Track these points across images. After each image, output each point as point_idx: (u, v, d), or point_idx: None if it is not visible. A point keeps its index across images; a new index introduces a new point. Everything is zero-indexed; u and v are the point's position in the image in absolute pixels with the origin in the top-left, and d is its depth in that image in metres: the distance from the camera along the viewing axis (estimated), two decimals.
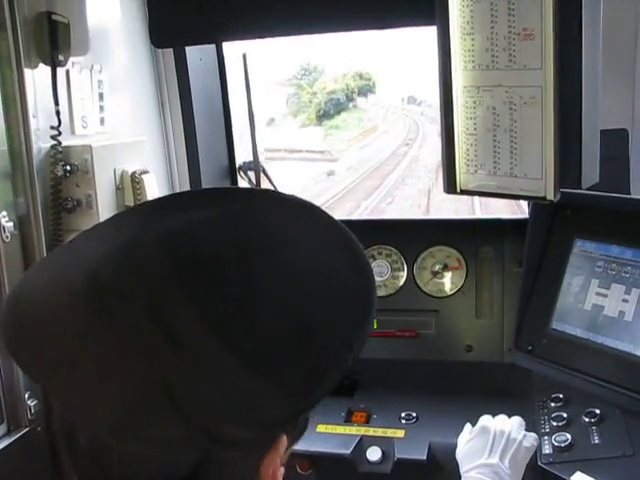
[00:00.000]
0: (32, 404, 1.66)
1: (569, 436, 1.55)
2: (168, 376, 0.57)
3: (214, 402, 0.57)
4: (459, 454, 1.47)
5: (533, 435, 1.47)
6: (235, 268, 0.61)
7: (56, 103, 1.68)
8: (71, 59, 1.72)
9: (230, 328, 0.58)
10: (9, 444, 1.62)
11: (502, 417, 1.50)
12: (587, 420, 1.58)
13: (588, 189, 1.53)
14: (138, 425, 0.58)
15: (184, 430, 0.57)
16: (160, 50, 2.09)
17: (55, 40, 1.66)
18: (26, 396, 1.65)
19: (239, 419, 0.58)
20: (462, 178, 1.62)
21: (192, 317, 0.57)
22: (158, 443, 0.59)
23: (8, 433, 1.65)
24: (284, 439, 0.68)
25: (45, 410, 1.69)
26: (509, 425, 1.47)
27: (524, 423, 1.49)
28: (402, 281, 1.98)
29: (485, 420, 1.50)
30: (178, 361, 0.57)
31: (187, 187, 2.17)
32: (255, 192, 0.79)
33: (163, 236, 0.63)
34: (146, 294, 0.59)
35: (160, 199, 0.78)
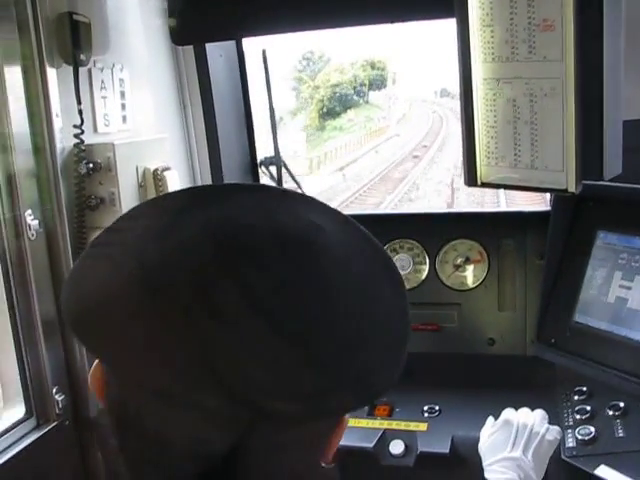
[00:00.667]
0: (60, 399, 1.69)
1: (593, 429, 1.54)
2: (213, 353, 0.59)
3: (257, 377, 0.59)
4: (482, 447, 1.47)
5: (556, 428, 1.46)
6: (277, 254, 0.64)
7: (78, 102, 1.70)
8: (93, 58, 1.74)
9: (272, 308, 0.61)
10: (38, 437, 1.65)
11: (525, 410, 1.50)
12: (611, 413, 1.57)
13: (611, 180, 1.52)
14: (183, 393, 0.59)
15: (227, 402, 0.59)
16: (180, 47, 2.10)
17: (77, 40, 1.67)
18: (54, 391, 1.68)
19: (282, 393, 0.60)
20: (483, 171, 1.61)
21: (235, 298, 0.60)
22: (200, 412, 0.60)
23: (37, 427, 1.69)
24: (345, 420, 0.70)
25: (73, 404, 1.72)
26: (532, 418, 1.46)
27: (547, 416, 1.49)
28: (424, 274, 1.98)
29: (508, 413, 1.49)
30: (222, 339, 0.59)
31: (209, 183, 2.19)
32: (286, 191, 0.81)
33: (208, 221, 0.65)
34: (192, 276, 0.61)
35: (206, 186, 0.81)
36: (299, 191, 0.71)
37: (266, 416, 0.60)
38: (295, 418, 0.62)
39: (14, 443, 1.61)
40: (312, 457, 0.70)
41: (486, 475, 1.39)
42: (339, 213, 0.75)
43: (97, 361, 0.68)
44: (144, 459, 0.67)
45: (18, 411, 1.67)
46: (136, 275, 0.62)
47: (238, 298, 0.60)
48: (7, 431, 1.62)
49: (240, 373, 0.59)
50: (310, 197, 0.77)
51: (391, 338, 0.68)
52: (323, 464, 0.73)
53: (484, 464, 1.42)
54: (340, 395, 0.64)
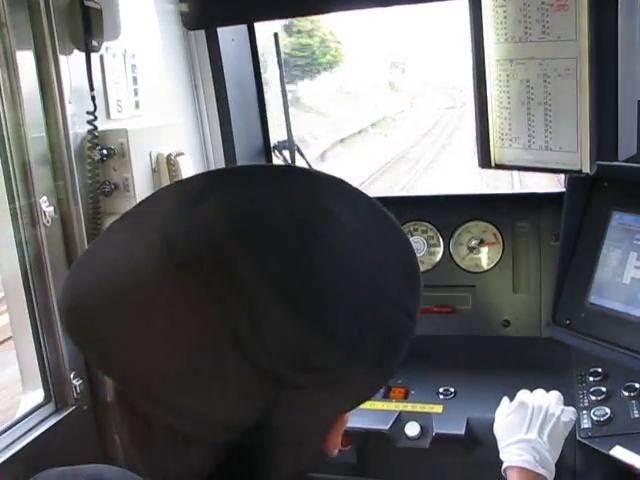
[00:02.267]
0: (77, 384, 1.70)
1: (608, 410, 1.54)
2: (237, 329, 0.61)
3: (278, 352, 0.62)
4: (497, 429, 1.47)
5: (571, 409, 1.46)
6: (294, 235, 0.67)
7: (91, 88, 1.70)
8: (104, 44, 1.73)
9: (290, 288, 0.63)
10: (57, 422, 1.67)
11: (540, 392, 1.50)
12: (626, 394, 1.57)
13: (625, 160, 1.51)
14: (209, 372, 0.61)
15: (254, 376, 0.61)
16: (192, 32, 2.10)
17: (88, 26, 1.67)
18: (72, 376, 1.69)
19: (304, 366, 0.63)
20: (496, 152, 1.61)
21: (257, 278, 0.62)
22: (228, 389, 0.62)
23: (56, 411, 1.70)
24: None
25: (90, 389, 1.74)
26: (547, 400, 1.47)
27: (562, 398, 1.49)
28: (438, 257, 1.98)
29: (523, 395, 1.50)
30: (246, 317, 0.61)
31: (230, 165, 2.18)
32: (313, 175, 0.83)
33: (227, 202, 0.69)
34: (215, 255, 0.63)
35: (226, 169, 0.83)
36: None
37: (291, 387, 0.63)
38: (316, 388, 0.64)
39: (34, 427, 1.63)
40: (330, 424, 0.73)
41: (501, 457, 1.40)
42: (364, 198, 0.76)
43: None
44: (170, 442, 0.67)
45: (37, 396, 1.69)
46: (162, 251, 0.64)
47: (257, 277, 0.62)
48: (27, 416, 1.64)
49: (265, 348, 0.61)
50: (338, 180, 0.77)
51: (396, 331, 0.70)
52: (339, 447, 0.75)
53: (499, 446, 1.42)
54: (354, 372, 0.66)
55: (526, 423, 1.42)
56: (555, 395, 1.49)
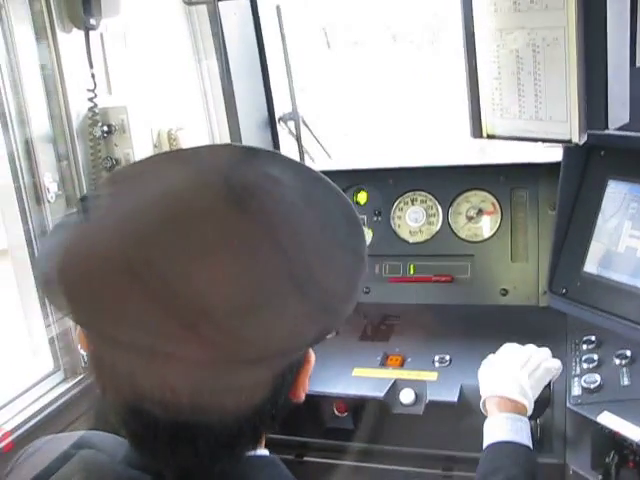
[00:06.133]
0: (85, 353, 1.76)
1: (598, 377, 1.55)
2: (294, 268, 0.69)
3: (330, 288, 0.73)
4: (481, 373, 1.52)
5: (558, 361, 1.49)
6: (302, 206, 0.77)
7: (91, 66, 1.73)
8: (104, 21, 1.76)
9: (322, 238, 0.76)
10: (66, 390, 1.74)
11: (530, 346, 1.53)
12: (618, 362, 1.58)
13: (620, 129, 1.50)
14: (269, 303, 0.68)
15: (307, 308, 0.70)
16: (194, 7, 2.11)
17: (87, 4, 1.70)
18: (79, 346, 1.76)
19: (347, 298, 0.75)
20: (488, 122, 1.61)
21: (303, 226, 0.74)
22: (286, 317, 0.69)
23: (65, 380, 1.77)
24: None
25: None
26: (533, 349, 1.51)
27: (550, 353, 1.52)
28: (437, 226, 2.00)
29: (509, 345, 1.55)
30: (303, 256, 0.71)
31: (227, 141, 2.21)
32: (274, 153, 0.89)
33: (264, 168, 0.78)
34: (273, 202, 0.73)
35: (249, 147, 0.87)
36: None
37: (336, 315, 0.74)
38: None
39: (43, 394, 1.70)
40: None
41: (482, 392, 1.45)
42: (300, 165, 0.86)
43: None
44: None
45: (46, 364, 1.76)
46: (224, 191, 0.71)
47: (302, 225, 0.74)
48: (37, 383, 1.72)
49: (317, 285, 0.71)
50: (273, 152, 0.86)
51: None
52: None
53: (481, 389, 1.47)
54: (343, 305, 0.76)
55: (509, 363, 1.45)
56: (545, 349, 1.51)
